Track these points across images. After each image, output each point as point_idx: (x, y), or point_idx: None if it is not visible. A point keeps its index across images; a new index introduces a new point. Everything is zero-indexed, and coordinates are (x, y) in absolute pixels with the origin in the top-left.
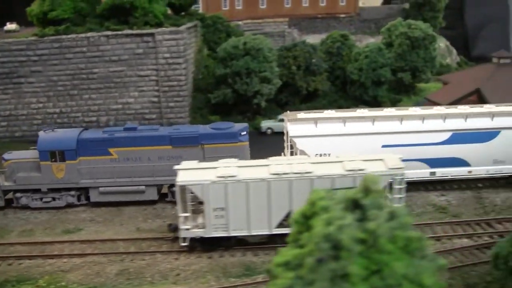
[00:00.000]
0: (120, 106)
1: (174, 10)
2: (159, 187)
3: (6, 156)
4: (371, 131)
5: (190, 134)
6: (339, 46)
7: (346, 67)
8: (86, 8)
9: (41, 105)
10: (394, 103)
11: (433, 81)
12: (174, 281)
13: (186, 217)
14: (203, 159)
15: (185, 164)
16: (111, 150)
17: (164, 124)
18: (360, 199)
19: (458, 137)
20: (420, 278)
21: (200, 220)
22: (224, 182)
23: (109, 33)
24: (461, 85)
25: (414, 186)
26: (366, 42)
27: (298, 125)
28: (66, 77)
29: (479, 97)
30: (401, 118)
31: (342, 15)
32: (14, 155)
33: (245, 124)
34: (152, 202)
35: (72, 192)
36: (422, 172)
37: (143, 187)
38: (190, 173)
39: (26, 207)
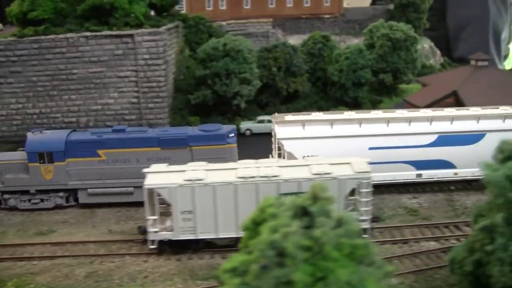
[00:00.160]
0: (99, 107)
1: (156, 10)
2: None
3: None
4: (358, 133)
5: (178, 136)
6: (321, 47)
7: (327, 68)
8: (66, 9)
9: (20, 105)
10: (374, 104)
11: (415, 82)
12: (142, 284)
13: (154, 220)
14: (192, 160)
15: (154, 167)
16: (100, 151)
17: (143, 124)
18: (308, 206)
19: (444, 140)
20: (364, 285)
21: (168, 223)
22: (191, 185)
23: (88, 34)
24: (439, 87)
25: (386, 188)
26: (350, 42)
27: (285, 127)
28: (45, 78)
29: (456, 100)
30: (388, 121)
31: (327, 16)
32: (2, 157)
33: (233, 126)
34: (126, 204)
35: (61, 194)
36: (409, 174)
37: (132, 188)
38: (158, 176)
39: (14, 209)
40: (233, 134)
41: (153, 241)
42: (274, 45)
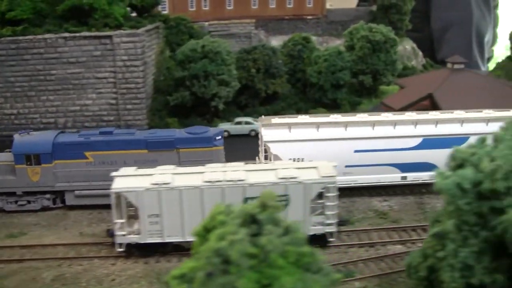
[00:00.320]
0: (78, 108)
1: (137, 11)
2: None
3: None
4: (344, 136)
5: (165, 139)
6: (300, 49)
7: (307, 70)
8: (45, 9)
9: None
10: (353, 106)
11: (395, 83)
12: (109, 287)
13: (122, 223)
14: (179, 163)
15: (122, 170)
16: (87, 153)
17: (121, 126)
18: (257, 214)
19: (429, 143)
20: None
21: (136, 226)
22: (158, 189)
23: (66, 35)
24: (416, 90)
25: (358, 191)
26: (333, 44)
27: (272, 130)
28: (23, 78)
29: (431, 102)
30: (373, 124)
31: (309, 17)
32: None
33: (220, 129)
34: (98, 206)
35: (48, 196)
36: (394, 177)
37: None
38: (126, 180)
39: (1, 210)
40: (220, 137)
41: (120, 244)
42: (253, 47)
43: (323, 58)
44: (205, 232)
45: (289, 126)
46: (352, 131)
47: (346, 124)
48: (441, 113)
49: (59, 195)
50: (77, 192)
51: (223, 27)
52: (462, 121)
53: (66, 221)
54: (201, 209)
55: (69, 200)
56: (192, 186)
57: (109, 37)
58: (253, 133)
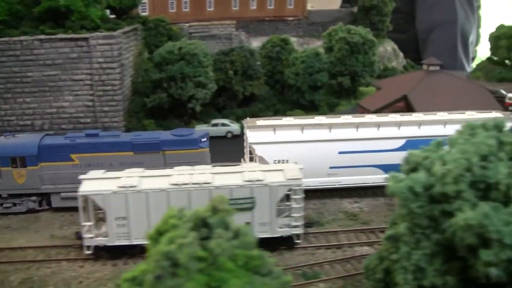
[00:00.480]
0: (54, 110)
1: (115, 13)
2: None
3: None
4: (328, 138)
5: (151, 141)
6: (279, 51)
7: (285, 71)
8: (22, 10)
9: None
10: (331, 107)
11: (372, 85)
12: None
13: (90, 226)
14: (164, 165)
15: (90, 173)
16: (73, 156)
17: (98, 128)
18: (208, 218)
19: (412, 144)
20: None
21: (104, 228)
22: (124, 192)
23: (42, 37)
24: (391, 91)
25: (329, 192)
26: (313, 45)
27: (257, 132)
28: None
29: (406, 104)
30: (357, 126)
31: (290, 18)
32: None
33: (206, 131)
34: (71, 209)
35: (33, 198)
36: (378, 178)
37: None
38: (93, 183)
39: None
40: (205, 139)
41: (88, 247)
42: (231, 49)
43: (301, 60)
44: (158, 235)
45: (274, 128)
46: (337, 133)
47: (330, 126)
48: (425, 114)
49: (45, 197)
50: (63, 194)
51: (203, 28)
52: (445, 122)
53: (37, 224)
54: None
55: (55, 202)
56: (159, 189)
57: (86, 39)
58: (229, 135)
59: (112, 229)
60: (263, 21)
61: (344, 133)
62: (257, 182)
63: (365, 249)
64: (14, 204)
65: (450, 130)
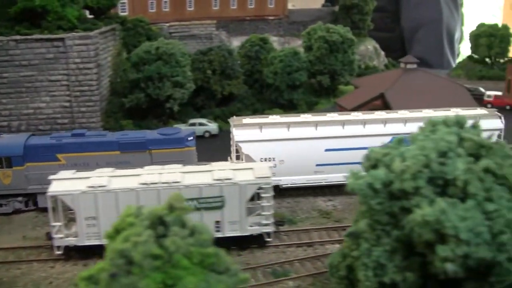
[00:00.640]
0: (31, 111)
1: (93, 13)
2: None
3: None
4: (314, 135)
5: (137, 140)
6: (258, 50)
7: (263, 70)
8: None
9: None
10: (310, 106)
11: (351, 83)
12: None
13: (59, 226)
14: (151, 164)
15: (61, 174)
16: (59, 156)
17: (76, 128)
18: (164, 216)
19: None
20: None
21: (74, 228)
22: (94, 192)
23: (18, 37)
24: (369, 90)
25: (304, 191)
26: (294, 44)
27: (243, 130)
28: None
29: (383, 102)
30: (343, 123)
31: (271, 18)
32: None
33: (192, 130)
34: (45, 210)
35: (20, 198)
36: None
37: None
38: (63, 183)
39: None
40: (192, 138)
41: (58, 247)
42: (209, 48)
43: (279, 59)
44: (115, 233)
45: (260, 126)
46: (323, 130)
47: (316, 124)
48: (410, 111)
49: (31, 197)
50: None
51: (183, 28)
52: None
53: (10, 225)
54: None
55: (42, 202)
56: (128, 188)
57: (62, 39)
58: (207, 135)
59: (82, 229)
60: (244, 21)
61: (330, 130)
62: (226, 181)
63: (337, 247)
64: (0, 205)
65: None
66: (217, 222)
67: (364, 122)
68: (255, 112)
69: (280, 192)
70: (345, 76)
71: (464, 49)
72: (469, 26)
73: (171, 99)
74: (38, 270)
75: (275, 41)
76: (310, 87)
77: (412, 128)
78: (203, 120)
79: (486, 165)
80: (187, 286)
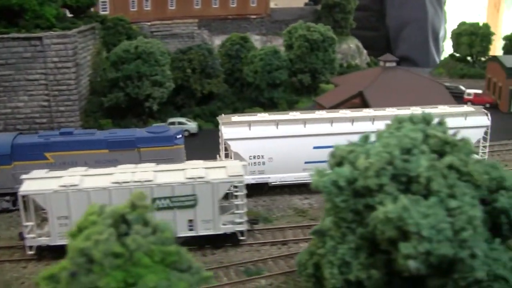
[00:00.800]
0: (9, 110)
1: (72, 12)
2: None
3: None
4: (303, 133)
5: (126, 138)
6: (238, 49)
7: (244, 69)
8: None
9: None
10: (291, 105)
11: (331, 82)
12: None
13: (32, 226)
14: (140, 162)
15: (33, 173)
16: (47, 154)
17: (55, 128)
18: (127, 214)
19: None
20: None
21: (46, 228)
22: (66, 191)
23: None
24: (348, 88)
25: (281, 189)
26: (277, 43)
27: (232, 128)
28: None
29: (362, 100)
30: (331, 121)
31: (253, 16)
32: None
33: (180, 128)
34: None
35: (7, 197)
36: None
37: None
38: (35, 182)
39: None
40: (180, 136)
41: (31, 247)
42: (188, 47)
43: (259, 58)
44: (78, 232)
45: (249, 124)
46: (311, 128)
47: (305, 121)
48: (398, 109)
49: None
50: None
51: (165, 27)
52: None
53: None
54: None
55: None
56: (100, 187)
57: (39, 38)
58: (186, 133)
59: (54, 229)
60: (226, 20)
61: (318, 128)
62: (198, 180)
63: None
64: None
65: None
66: (190, 220)
67: (352, 120)
68: (235, 111)
69: (256, 190)
70: (326, 75)
71: (448, 47)
72: (453, 24)
73: (150, 98)
74: (11, 270)
75: (257, 40)
76: (291, 85)
77: None
78: (182, 119)
79: (450, 162)
80: (147, 284)
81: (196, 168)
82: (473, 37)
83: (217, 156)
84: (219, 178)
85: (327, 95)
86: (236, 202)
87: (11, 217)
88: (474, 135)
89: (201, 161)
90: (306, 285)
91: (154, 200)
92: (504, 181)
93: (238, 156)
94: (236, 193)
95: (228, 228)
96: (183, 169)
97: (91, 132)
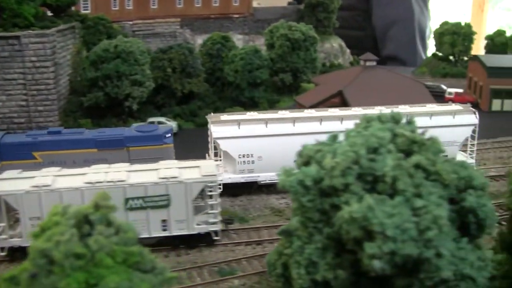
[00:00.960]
0: None
1: (52, 11)
2: None
3: None
4: (292, 132)
5: (115, 137)
6: (219, 48)
7: (224, 68)
8: None
9: None
10: (272, 104)
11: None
12: None
13: (3, 227)
14: (129, 161)
15: (5, 174)
16: (36, 154)
17: (33, 128)
18: (90, 215)
19: None
20: None
21: (19, 229)
22: (38, 191)
23: None
24: (328, 87)
25: (257, 189)
26: (259, 42)
27: (221, 127)
28: None
29: (341, 99)
30: (321, 119)
31: (236, 16)
32: None
33: (170, 127)
34: None
35: None
36: None
37: None
38: (6, 183)
39: None
40: (169, 135)
41: (2, 248)
42: (169, 46)
43: (240, 57)
44: (41, 233)
45: (238, 122)
46: (300, 127)
47: (294, 120)
48: (386, 107)
49: None
50: None
51: (147, 26)
52: (406, 116)
53: None
54: None
55: None
56: (73, 187)
57: (17, 37)
58: None
59: (26, 230)
60: (208, 19)
61: (308, 126)
62: (171, 179)
63: None
64: None
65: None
66: (164, 221)
67: (341, 118)
68: (216, 110)
69: (231, 190)
70: (307, 74)
71: (431, 46)
72: (438, 23)
73: (130, 98)
74: None
75: (240, 39)
76: (272, 85)
77: None
78: (162, 119)
79: (417, 161)
80: (109, 285)
81: (169, 168)
82: (455, 36)
83: (206, 155)
84: (192, 178)
85: (307, 95)
86: (210, 202)
87: None
88: (462, 133)
89: (175, 161)
90: (276, 285)
91: (127, 200)
92: (473, 180)
93: (227, 155)
94: (210, 193)
95: (202, 228)
96: (156, 169)
97: (79, 131)
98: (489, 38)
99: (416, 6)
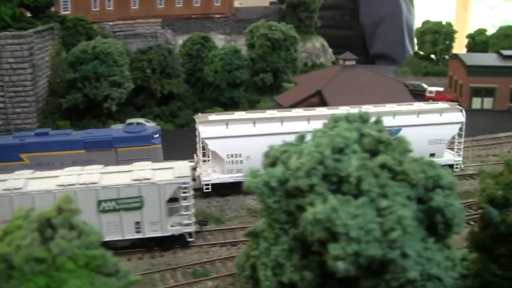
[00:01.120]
0: None
1: (30, 11)
2: None
3: None
4: (280, 131)
5: (103, 138)
6: (199, 48)
7: (204, 69)
8: None
9: None
10: (252, 104)
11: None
12: None
13: None
14: (117, 162)
15: None
16: (23, 155)
17: (12, 130)
18: (53, 218)
19: None
20: None
21: None
22: (9, 194)
23: None
24: (307, 87)
25: (233, 189)
26: (241, 42)
27: (209, 127)
28: None
29: (320, 99)
30: (308, 118)
31: (217, 16)
32: None
33: (158, 127)
34: None
35: None
36: None
37: None
38: None
39: None
40: (157, 135)
41: None
42: (148, 47)
43: (219, 57)
44: (4, 237)
45: (227, 122)
46: (288, 126)
47: (282, 119)
48: (374, 106)
49: None
50: None
51: (128, 27)
52: (394, 113)
53: None
54: None
55: None
56: (45, 190)
57: None
58: None
59: None
60: (190, 19)
61: (295, 126)
62: (144, 181)
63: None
64: None
65: (400, 120)
66: (137, 222)
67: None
68: (195, 111)
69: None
70: (288, 74)
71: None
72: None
73: (109, 99)
74: None
75: (221, 39)
76: (253, 85)
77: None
78: (141, 120)
79: (382, 161)
80: None
81: (142, 170)
82: (437, 35)
83: (194, 155)
84: (165, 180)
85: (286, 94)
86: (184, 203)
87: None
88: (449, 131)
89: (149, 162)
90: (246, 287)
91: (100, 202)
92: (441, 179)
93: (216, 155)
94: (183, 194)
95: (176, 230)
96: (129, 171)
97: (67, 132)
98: (470, 36)
99: (403, 4)
